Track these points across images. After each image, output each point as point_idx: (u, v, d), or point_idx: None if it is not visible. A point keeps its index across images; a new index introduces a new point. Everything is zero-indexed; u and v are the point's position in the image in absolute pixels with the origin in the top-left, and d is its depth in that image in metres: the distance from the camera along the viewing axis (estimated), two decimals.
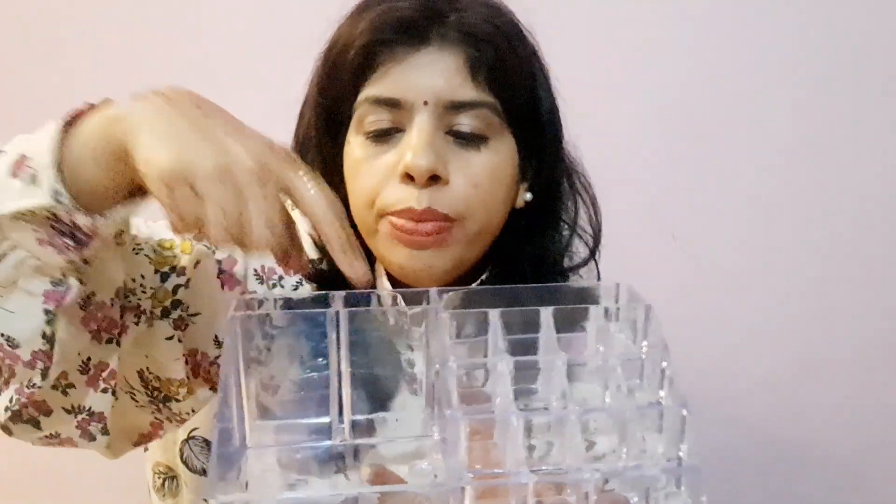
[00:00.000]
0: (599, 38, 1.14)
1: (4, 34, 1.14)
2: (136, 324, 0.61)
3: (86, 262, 0.53)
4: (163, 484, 0.78)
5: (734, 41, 1.15)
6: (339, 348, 0.53)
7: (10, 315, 0.52)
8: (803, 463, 1.26)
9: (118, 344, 0.58)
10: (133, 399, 0.65)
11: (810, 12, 1.14)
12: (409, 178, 0.61)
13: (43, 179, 0.48)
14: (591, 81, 1.07)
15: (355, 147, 0.64)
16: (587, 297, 0.55)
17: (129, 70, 1.15)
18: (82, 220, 0.49)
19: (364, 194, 0.63)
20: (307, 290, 0.70)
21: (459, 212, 0.62)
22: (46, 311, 0.52)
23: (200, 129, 0.47)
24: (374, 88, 0.62)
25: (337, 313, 0.53)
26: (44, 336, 0.52)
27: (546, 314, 0.52)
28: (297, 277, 0.71)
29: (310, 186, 0.48)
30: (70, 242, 0.50)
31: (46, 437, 0.59)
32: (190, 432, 0.74)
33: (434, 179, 0.61)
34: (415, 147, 0.60)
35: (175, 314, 0.64)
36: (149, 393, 0.65)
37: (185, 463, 0.74)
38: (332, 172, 0.67)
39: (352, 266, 0.49)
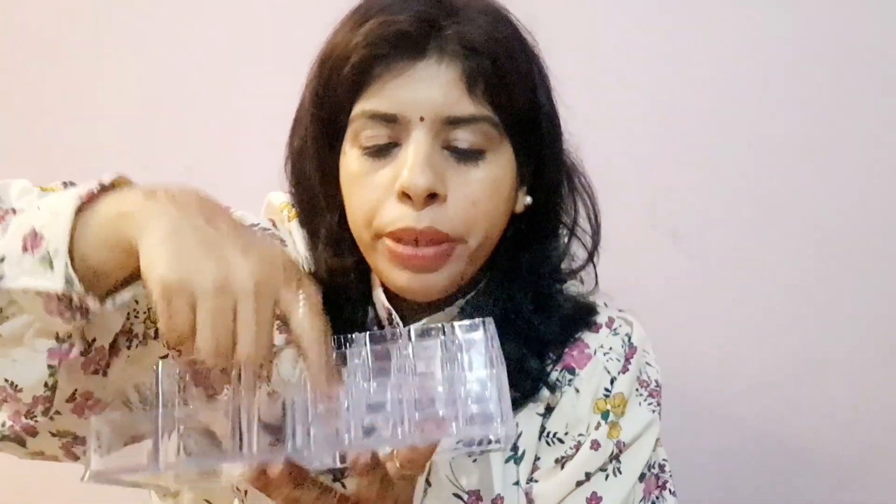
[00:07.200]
0: (599, 38, 1.14)
1: (5, 34, 1.14)
2: (128, 347, 0.60)
3: (88, 320, 0.54)
4: None
5: (734, 41, 1.15)
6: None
7: (13, 363, 0.53)
8: (802, 463, 1.25)
9: (104, 374, 0.59)
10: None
11: (810, 12, 1.14)
12: (406, 196, 0.60)
13: (56, 264, 0.50)
14: (591, 82, 1.07)
15: (352, 160, 0.63)
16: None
17: (127, 72, 1.15)
18: (92, 304, 0.51)
19: (361, 211, 0.62)
20: None
21: (459, 231, 0.61)
22: (49, 366, 0.53)
23: (206, 244, 0.48)
24: (371, 102, 0.61)
25: (367, 335, 0.55)
26: (46, 385, 0.54)
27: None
28: None
29: (301, 308, 0.49)
30: (77, 315, 0.51)
31: (32, 453, 0.60)
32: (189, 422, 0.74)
33: (432, 198, 0.60)
34: (412, 166, 0.59)
35: None
36: (146, 408, 0.64)
37: None
38: (329, 182, 0.66)
39: (323, 391, 0.49)
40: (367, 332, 0.56)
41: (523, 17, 0.66)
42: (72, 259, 0.50)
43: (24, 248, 0.51)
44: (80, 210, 0.51)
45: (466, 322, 0.55)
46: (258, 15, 1.14)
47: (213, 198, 0.53)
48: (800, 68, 1.15)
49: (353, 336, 0.56)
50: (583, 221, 0.73)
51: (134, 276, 0.52)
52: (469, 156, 0.62)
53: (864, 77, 1.15)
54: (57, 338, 0.53)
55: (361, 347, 0.55)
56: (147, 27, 1.14)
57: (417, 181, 0.59)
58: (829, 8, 1.13)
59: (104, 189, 0.53)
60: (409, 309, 0.67)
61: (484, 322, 0.55)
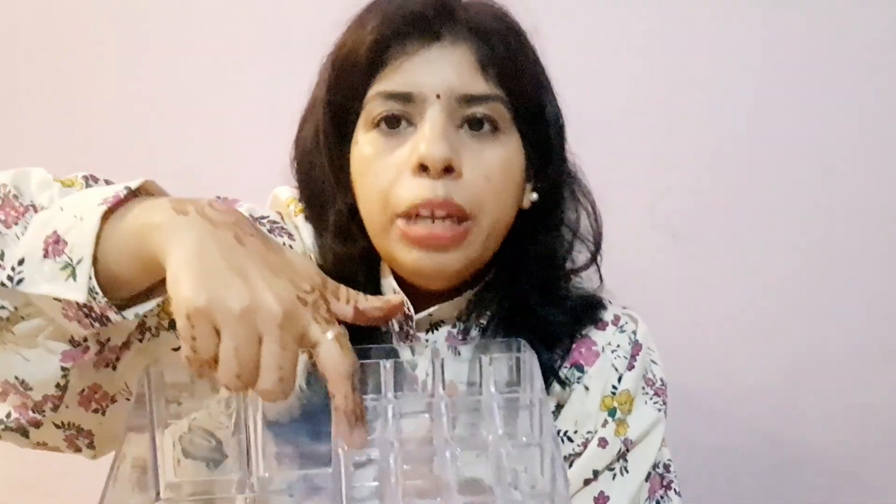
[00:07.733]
0: (599, 38, 1.14)
1: (5, 34, 1.14)
2: (140, 340, 0.60)
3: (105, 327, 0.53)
4: None
5: (734, 41, 1.15)
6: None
7: (26, 362, 0.52)
8: (802, 463, 1.26)
9: (114, 368, 0.58)
10: None
11: (810, 12, 1.14)
12: (422, 169, 0.60)
13: (79, 274, 0.48)
14: (590, 82, 1.07)
15: (365, 144, 0.64)
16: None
17: (127, 72, 1.15)
18: (113, 316, 0.49)
19: (377, 193, 0.62)
20: None
21: (473, 206, 0.62)
22: (63, 367, 0.53)
23: (234, 266, 0.45)
24: (385, 83, 0.62)
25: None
26: (57, 385, 0.54)
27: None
28: None
29: (330, 343, 0.46)
30: (95, 324, 0.50)
31: (34, 444, 0.59)
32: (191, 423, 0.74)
33: (448, 171, 0.61)
34: (429, 138, 0.60)
35: None
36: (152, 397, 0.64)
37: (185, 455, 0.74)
38: (339, 172, 0.66)
39: (350, 434, 0.48)
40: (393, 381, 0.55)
41: (523, 17, 0.67)
42: (94, 268, 0.48)
43: (46, 253, 0.49)
44: (105, 216, 0.49)
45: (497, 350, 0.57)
46: (258, 15, 1.14)
47: (246, 216, 0.51)
48: (799, 68, 1.15)
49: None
50: (584, 226, 0.73)
51: (158, 286, 0.51)
52: (483, 134, 0.63)
53: (864, 77, 1.15)
54: (71, 340, 0.52)
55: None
56: (147, 27, 1.14)
57: (435, 152, 0.59)
58: (830, 8, 1.14)
59: (130, 194, 0.51)
60: (417, 298, 0.67)
61: (518, 347, 0.57)
